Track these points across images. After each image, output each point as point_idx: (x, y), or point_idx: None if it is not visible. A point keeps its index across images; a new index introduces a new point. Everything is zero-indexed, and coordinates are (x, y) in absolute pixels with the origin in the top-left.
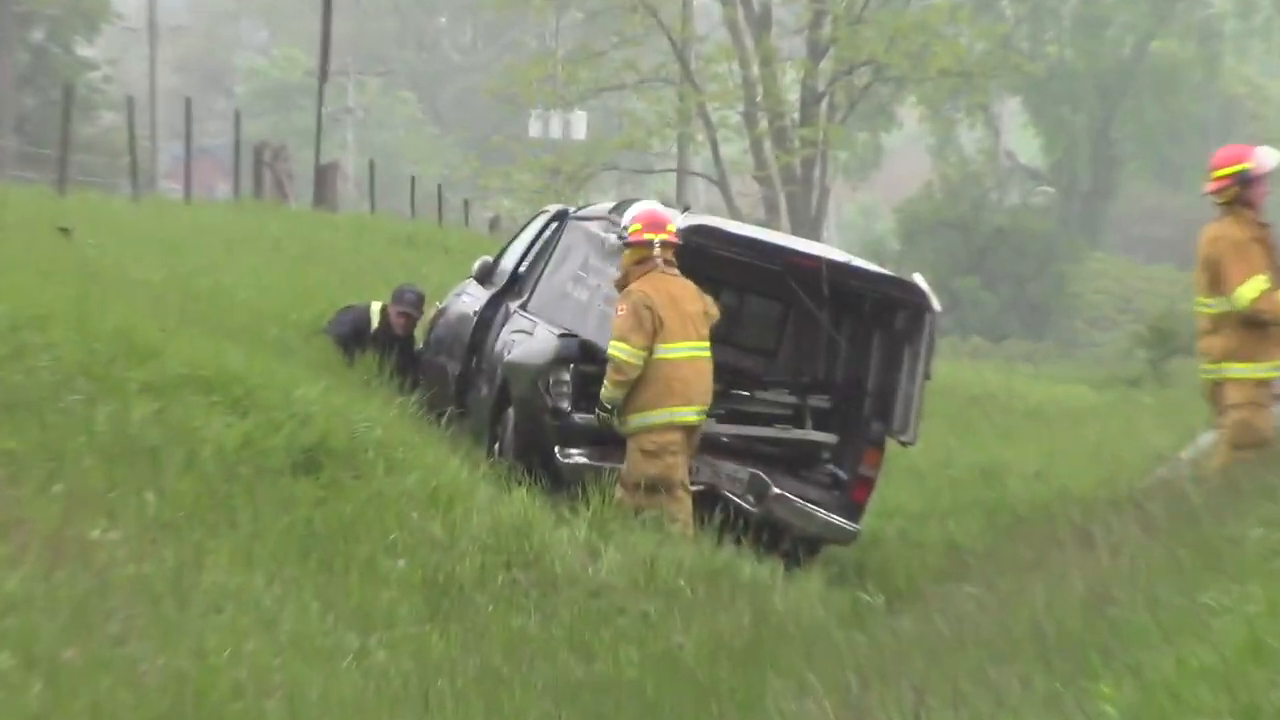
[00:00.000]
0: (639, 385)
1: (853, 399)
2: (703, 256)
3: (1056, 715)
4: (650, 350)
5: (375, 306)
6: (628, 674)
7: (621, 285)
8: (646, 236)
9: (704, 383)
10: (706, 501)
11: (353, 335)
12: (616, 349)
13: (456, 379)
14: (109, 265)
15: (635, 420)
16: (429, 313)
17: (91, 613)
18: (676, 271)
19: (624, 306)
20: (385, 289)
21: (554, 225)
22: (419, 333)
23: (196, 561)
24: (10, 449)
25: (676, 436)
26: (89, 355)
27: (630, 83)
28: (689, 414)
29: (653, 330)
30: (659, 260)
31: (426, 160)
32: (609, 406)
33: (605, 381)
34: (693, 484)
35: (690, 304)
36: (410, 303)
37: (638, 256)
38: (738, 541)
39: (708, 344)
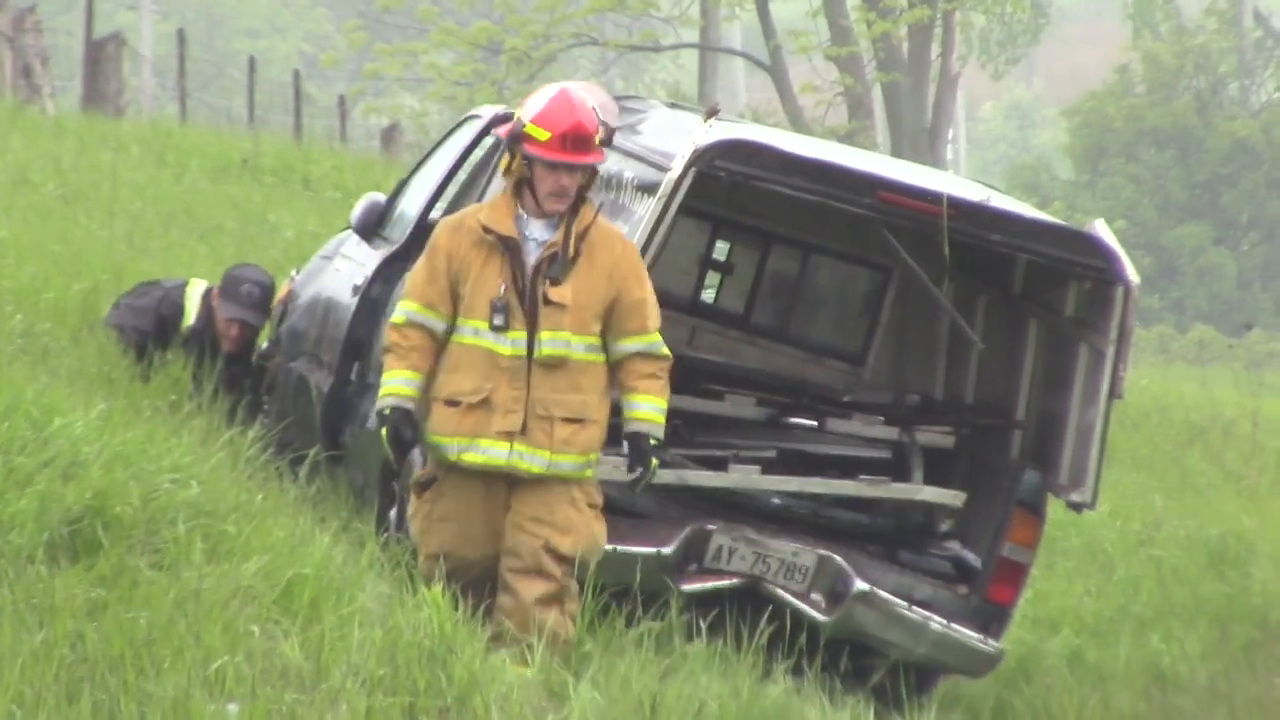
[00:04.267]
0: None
1: (992, 433)
2: (739, 193)
3: None
4: None
5: (194, 289)
6: None
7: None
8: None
9: None
10: (746, 604)
11: (154, 331)
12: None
13: (326, 400)
14: None
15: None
16: (281, 290)
17: None
18: None
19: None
20: (209, 258)
21: (492, 141)
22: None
23: None
24: None
25: None
26: None
27: None
28: None
29: None
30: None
31: (275, 30)
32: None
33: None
34: (724, 574)
35: None
36: (251, 303)
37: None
38: (797, 670)
39: None
